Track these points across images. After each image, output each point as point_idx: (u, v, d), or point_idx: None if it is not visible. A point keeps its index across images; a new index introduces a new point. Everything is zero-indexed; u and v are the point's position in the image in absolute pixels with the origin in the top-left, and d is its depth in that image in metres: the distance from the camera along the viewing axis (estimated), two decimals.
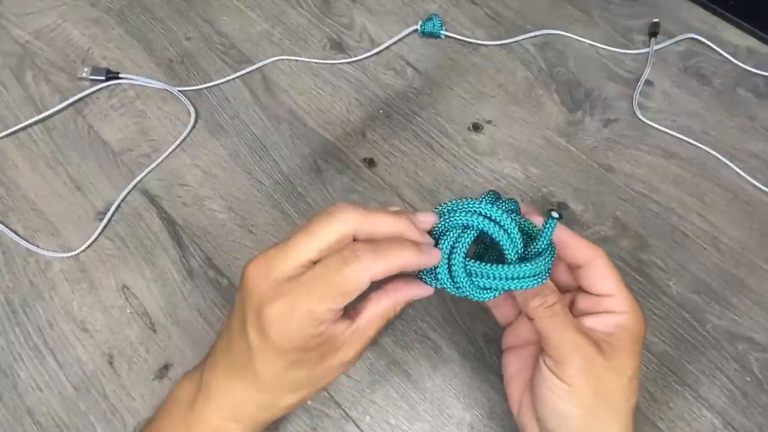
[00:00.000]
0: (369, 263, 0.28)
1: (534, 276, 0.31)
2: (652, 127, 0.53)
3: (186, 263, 0.47)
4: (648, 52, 0.57)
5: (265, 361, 0.30)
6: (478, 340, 0.44)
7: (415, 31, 0.58)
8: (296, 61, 0.57)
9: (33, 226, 0.48)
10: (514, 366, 0.36)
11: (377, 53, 0.57)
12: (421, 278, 0.33)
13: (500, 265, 0.32)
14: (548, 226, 0.31)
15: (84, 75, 0.55)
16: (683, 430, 0.41)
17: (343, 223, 0.30)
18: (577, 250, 0.33)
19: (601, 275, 0.33)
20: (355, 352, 0.32)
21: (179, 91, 0.55)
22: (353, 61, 0.57)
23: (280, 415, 0.33)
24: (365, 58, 0.57)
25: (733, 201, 0.50)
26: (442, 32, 0.58)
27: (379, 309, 0.32)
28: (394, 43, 0.58)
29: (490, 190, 0.34)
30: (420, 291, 0.33)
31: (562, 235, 0.33)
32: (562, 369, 0.31)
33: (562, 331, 0.31)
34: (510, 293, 0.34)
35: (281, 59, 0.57)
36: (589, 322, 0.33)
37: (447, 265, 0.32)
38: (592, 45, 0.58)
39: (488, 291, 0.32)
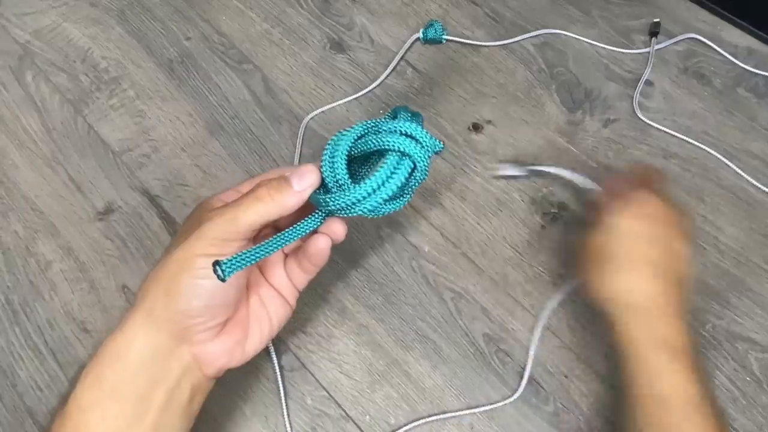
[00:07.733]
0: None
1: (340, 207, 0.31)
2: (652, 126, 0.53)
3: None
4: (648, 52, 0.57)
5: None
6: (478, 340, 0.44)
7: (417, 39, 0.58)
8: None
9: (33, 226, 0.48)
10: None
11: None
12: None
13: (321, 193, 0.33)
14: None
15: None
16: None
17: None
18: None
19: None
20: None
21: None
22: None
23: None
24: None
25: (733, 201, 0.50)
26: (444, 37, 0.58)
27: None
28: (402, 56, 0.58)
29: (398, 106, 0.34)
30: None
31: None
32: None
33: None
34: None
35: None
36: None
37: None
38: (592, 45, 0.58)
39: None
